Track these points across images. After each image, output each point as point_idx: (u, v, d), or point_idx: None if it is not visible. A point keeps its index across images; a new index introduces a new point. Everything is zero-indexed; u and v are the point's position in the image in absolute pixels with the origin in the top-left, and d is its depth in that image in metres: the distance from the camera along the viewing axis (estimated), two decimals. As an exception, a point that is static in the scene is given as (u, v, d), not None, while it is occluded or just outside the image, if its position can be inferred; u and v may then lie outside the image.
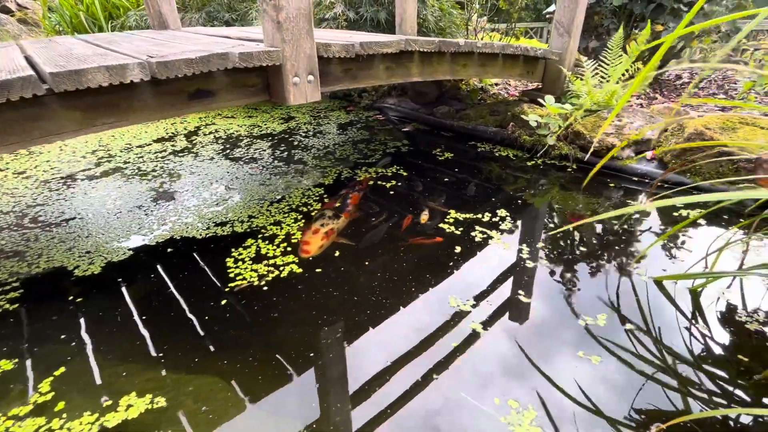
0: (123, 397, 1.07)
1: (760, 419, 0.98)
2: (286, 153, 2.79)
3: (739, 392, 1.05)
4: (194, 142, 3.06)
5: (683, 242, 1.69)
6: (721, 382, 1.08)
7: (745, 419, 0.99)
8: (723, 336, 1.22)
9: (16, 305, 1.40)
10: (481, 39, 4.78)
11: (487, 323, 1.28)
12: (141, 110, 1.32)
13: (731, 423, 0.98)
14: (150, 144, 3.03)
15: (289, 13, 1.38)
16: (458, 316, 1.31)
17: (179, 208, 2.03)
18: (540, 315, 1.32)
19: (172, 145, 2.98)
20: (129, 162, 2.67)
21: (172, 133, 3.28)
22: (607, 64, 2.69)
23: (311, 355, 1.19)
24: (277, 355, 1.18)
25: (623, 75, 2.58)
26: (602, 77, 2.74)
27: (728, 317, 1.28)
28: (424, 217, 1.85)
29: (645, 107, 3.07)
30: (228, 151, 2.85)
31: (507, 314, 1.32)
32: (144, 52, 1.37)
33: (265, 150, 2.85)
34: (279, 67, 1.46)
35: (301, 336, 1.25)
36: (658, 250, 1.64)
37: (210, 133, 3.26)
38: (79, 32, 4.46)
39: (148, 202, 2.10)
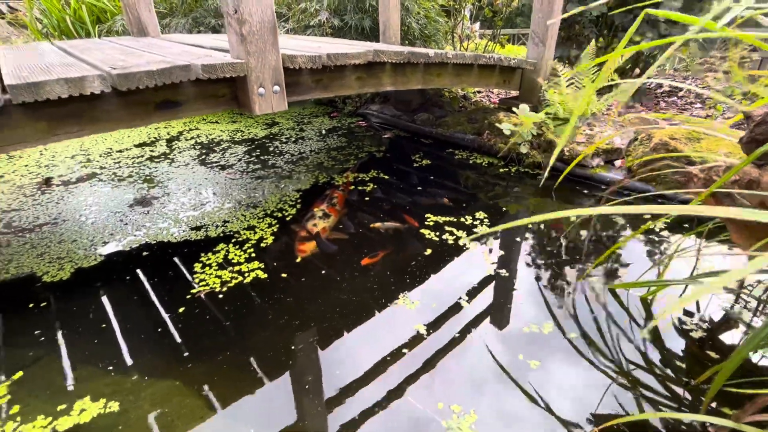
0: (77, 401, 1.09)
1: (691, 423, 1.02)
2: (266, 158, 2.82)
3: (683, 396, 1.09)
4: (173, 147, 3.08)
5: (643, 249, 1.74)
6: (659, 387, 1.11)
7: (675, 422, 1.03)
8: (669, 343, 1.26)
9: (-18, 311, 1.42)
10: (467, 47, 4.84)
11: (438, 325, 1.32)
12: (106, 120, 1.35)
13: (664, 426, 1.02)
14: (130, 149, 3.05)
15: (252, 26, 1.41)
16: (408, 318, 1.34)
17: (154, 214, 2.05)
18: (501, 321, 1.35)
19: (151, 150, 3.01)
20: (105, 167, 2.69)
21: (155, 138, 3.31)
22: (582, 75, 2.75)
23: (276, 360, 1.21)
24: (241, 361, 1.21)
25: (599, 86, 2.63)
26: (577, 86, 2.79)
27: (678, 325, 1.32)
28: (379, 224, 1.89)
29: (622, 116, 3.13)
30: (206, 155, 2.88)
31: (461, 317, 1.36)
32: (110, 62, 1.40)
33: (245, 155, 2.88)
34: (244, 78, 1.49)
35: (265, 341, 1.28)
36: (617, 257, 1.68)
37: (192, 138, 3.29)
38: (67, 36, 4.48)
39: (124, 208, 2.12)
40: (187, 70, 1.34)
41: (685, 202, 1.72)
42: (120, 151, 3.01)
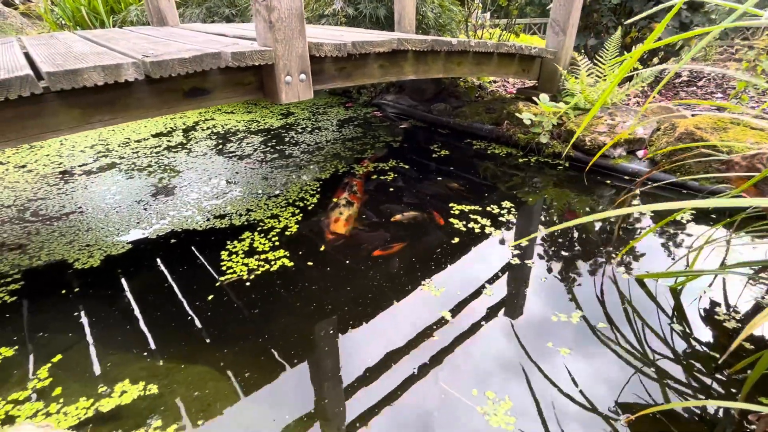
0: (117, 383, 1.11)
1: (729, 411, 1.02)
2: (283, 148, 2.83)
3: (714, 386, 1.09)
4: (190, 137, 3.10)
5: (669, 240, 1.72)
6: (695, 376, 1.11)
7: (711, 410, 1.03)
8: (701, 333, 1.25)
9: (15, 298, 1.44)
10: (481, 36, 4.78)
11: (463, 313, 1.32)
12: (137, 107, 1.36)
13: (700, 414, 1.02)
14: (147, 138, 3.08)
15: (281, 13, 1.41)
16: (437, 306, 1.35)
17: (177, 203, 2.07)
18: (527, 310, 1.36)
19: (168, 140, 3.03)
20: (124, 157, 2.72)
21: (171, 128, 3.32)
22: (603, 63, 2.71)
23: (302, 346, 1.23)
24: (269, 347, 1.23)
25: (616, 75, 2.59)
26: (598, 76, 2.75)
27: (708, 315, 1.32)
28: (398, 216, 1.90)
29: (641, 105, 3.09)
30: (222, 145, 2.89)
31: (485, 305, 1.36)
32: (140, 50, 1.41)
33: (261, 145, 2.89)
34: (271, 66, 1.49)
35: (291, 328, 1.29)
36: (642, 248, 1.67)
37: (208, 128, 3.30)
38: (81, 27, 4.49)
39: (147, 197, 2.14)
40: (218, 58, 1.34)
41: (716, 192, 1.70)
42: (138, 141, 3.03)
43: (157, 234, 1.80)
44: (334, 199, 2.04)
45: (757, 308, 1.34)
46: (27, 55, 1.41)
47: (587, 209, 1.99)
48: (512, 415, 1.01)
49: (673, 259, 1.59)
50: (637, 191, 2.10)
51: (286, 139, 3.03)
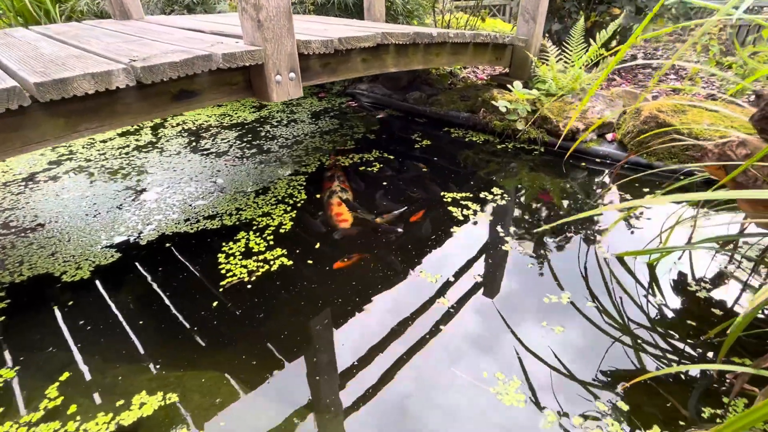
0: (134, 395, 1.11)
1: (706, 372, 1.15)
2: (260, 143, 2.78)
3: (689, 351, 1.22)
4: (159, 135, 2.98)
5: (641, 219, 1.87)
6: (674, 344, 1.24)
7: (693, 373, 1.16)
8: (676, 303, 1.39)
9: (3, 317, 1.38)
10: (448, 21, 4.81)
11: (460, 299, 1.40)
12: (124, 113, 1.31)
13: (682, 377, 1.15)
14: (113, 138, 2.93)
15: (269, 11, 1.39)
16: (433, 292, 1.42)
17: (162, 205, 2.01)
18: (510, 291, 1.45)
19: (136, 140, 2.90)
20: (91, 160, 2.58)
21: (138, 126, 3.17)
22: (571, 50, 2.82)
23: (303, 343, 1.26)
24: (270, 346, 1.25)
25: (588, 61, 2.71)
26: (566, 62, 2.87)
27: (680, 287, 1.46)
28: (379, 219, 1.88)
29: (604, 89, 3.25)
30: (196, 142, 2.81)
31: (479, 290, 1.45)
32: (120, 52, 1.35)
33: (237, 140, 2.82)
34: (261, 66, 1.47)
35: (301, 326, 1.32)
36: (620, 228, 1.80)
37: (177, 125, 3.18)
38: (23, 18, 4.15)
39: (127, 200, 2.07)
40: (208, 60, 1.31)
41: (690, 174, 1.85)
42: (103, 141, 2.89)
43: (147, 240, 1.75)
44: (328, 190, 2.07)
45: (720, 277, 1.49)
46: (-5, 60, 1.32)
47: (565, 191, 2.10)
48: (520, 392, 1.10)
49: (639, 237, 1.73)
50: (609, 181, 2.24)
51: (262, 134, 2.97)
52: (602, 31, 2.61)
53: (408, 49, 2.14)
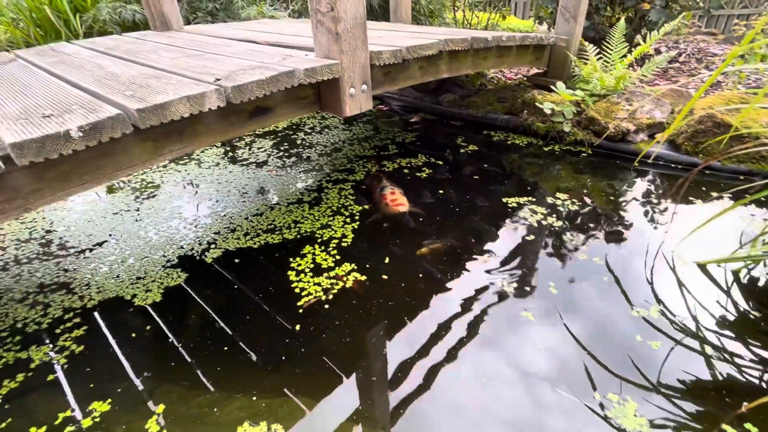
0: (238, 427, 1.08)
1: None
2: (298, 151, 2.74)
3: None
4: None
5: (719, 225, 1.82)
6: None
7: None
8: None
9: (83, 347, 1.34)
10: (469, 18, 4.76)
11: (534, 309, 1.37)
12: (205, 134, 1.28)
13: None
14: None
15: (347, 23, 1.34)
16: (506, 301, 1.38)
17: (217, 220, 1.98)
18: (586, 305, 1.41)
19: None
20: (131, 176, 2.55)
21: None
22: (611, 49, 2.77)
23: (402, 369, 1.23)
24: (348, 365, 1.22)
25: (632, 61, 2.66)
26: (605, 62, 2.82)
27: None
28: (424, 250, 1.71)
29: (640, 87, 3.20)
30: (232, 153, 2.77)
31: (560, 304, 1.41)
32: (198, 70, 1.31)
33: (273, 149, 2.78)
34: (336, 80, 1.43)
35: (380, 342, 1.29)
36: (695, 234, 1.76)
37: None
38: (41, 28, 4.10)
39: (178, 217, 2.03)
40: (291, 76, 1.27)
41: (750, 174, 1.80)
42: (140, 153, 2.84)
43: (211, 258, 1.72)
44: (378, 187, 2.09)
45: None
46: (74, 85, 1.28)
47: (627, 194, 2.06)
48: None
49: (719, 244, 1.69)
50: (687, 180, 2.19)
51: (298, 142, 2.94)
52: (653, 32, 2.56)
53: (459, 54, 2.10)
